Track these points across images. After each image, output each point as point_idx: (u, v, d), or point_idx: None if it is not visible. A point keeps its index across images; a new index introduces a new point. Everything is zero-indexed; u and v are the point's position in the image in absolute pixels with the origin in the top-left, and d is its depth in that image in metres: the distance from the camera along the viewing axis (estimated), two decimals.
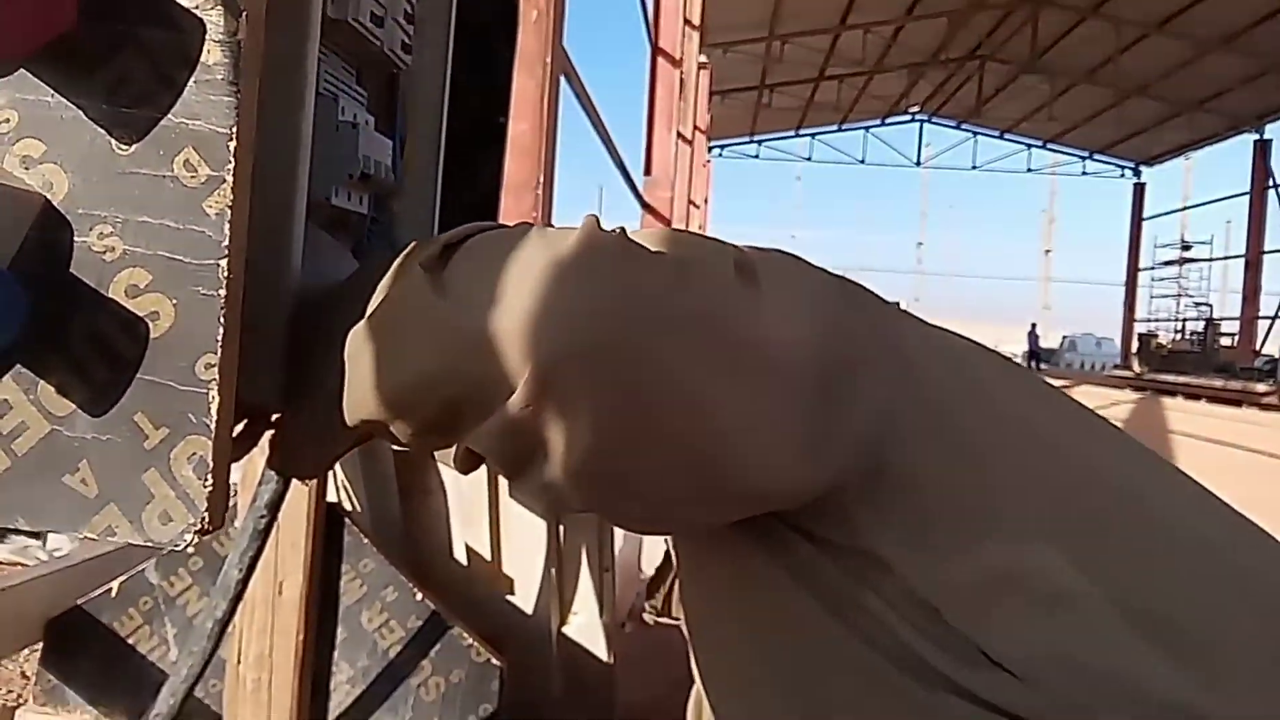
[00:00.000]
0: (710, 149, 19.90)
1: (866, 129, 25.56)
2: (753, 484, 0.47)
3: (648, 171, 7.83)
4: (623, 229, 0.51)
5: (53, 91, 0.41)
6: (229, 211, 0.41)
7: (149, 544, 0.41)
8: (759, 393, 0.46)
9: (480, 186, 1.01)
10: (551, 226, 0.51)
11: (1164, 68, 16.00)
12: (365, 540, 1.42)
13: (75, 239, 0.41)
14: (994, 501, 0.49)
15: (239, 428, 0.59)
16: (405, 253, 0.52)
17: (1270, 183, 18.39)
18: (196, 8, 0.40)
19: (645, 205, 7.66)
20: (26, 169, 0.41)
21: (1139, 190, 25.09)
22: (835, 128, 24.83)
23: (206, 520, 0.42)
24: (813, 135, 25.32)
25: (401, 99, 0.87)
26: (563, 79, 3.21)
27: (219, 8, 0.41)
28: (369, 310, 0.50)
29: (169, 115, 0.41)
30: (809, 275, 0.53)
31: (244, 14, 0.41)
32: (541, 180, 2.28)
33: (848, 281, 0.55)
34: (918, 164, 26.86)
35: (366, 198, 0.78)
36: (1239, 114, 17.85)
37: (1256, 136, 18.66)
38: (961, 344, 0.58)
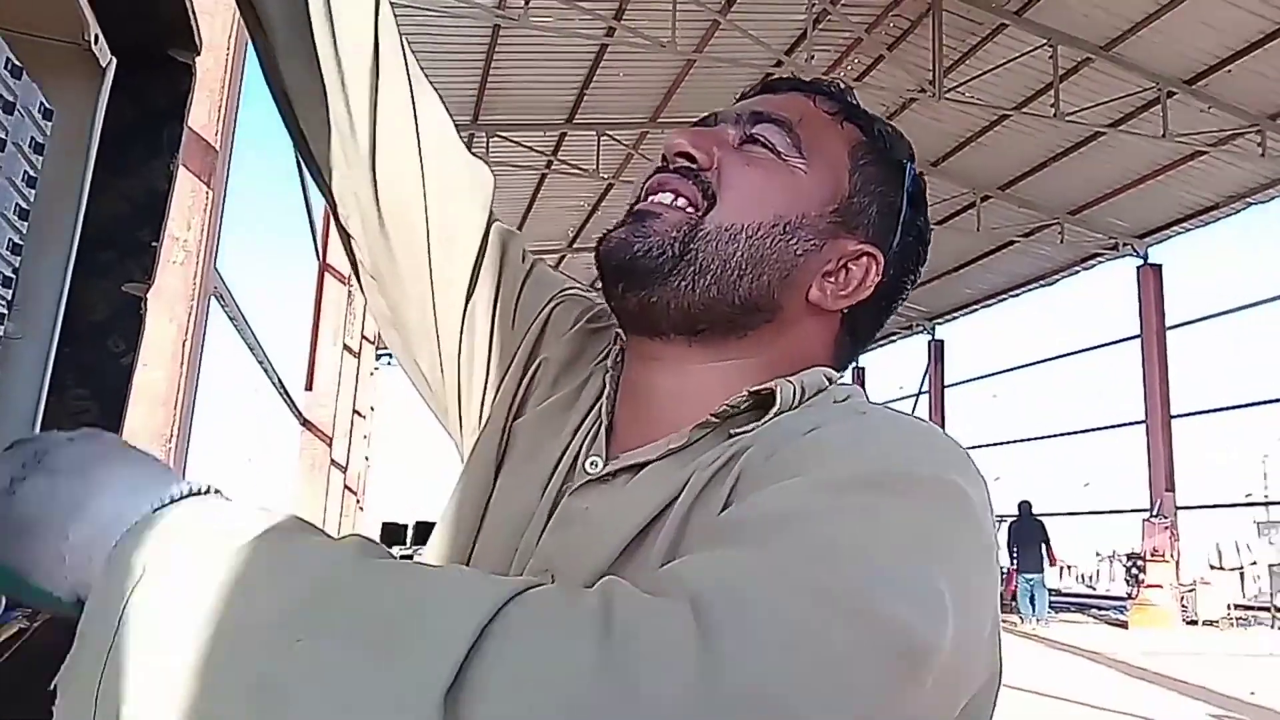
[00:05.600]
0: (379, 357, 19.64)
1: None
2: None
3: (309, 387, 7.51)
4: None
5: None
6: None
7: None
8: None
9: None
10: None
11: None
12: None
13: None
14: None
15: None
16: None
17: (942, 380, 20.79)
18: None
19: (305, 422, 7.28)
20: None
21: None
22: None
23: None
24: None
25: None
26: (213, 300, 3.02)
27: None
28: None
29: None
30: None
31: None
32: (177, 431, 2.06)
33: None
34: None
35: None
36: (911, 317, 20.35)
37: (929, 337, 20.89)
38: None
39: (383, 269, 0.80)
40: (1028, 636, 11.28)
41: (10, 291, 0.70)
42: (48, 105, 0.72)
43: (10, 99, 0.66)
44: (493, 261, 0.81)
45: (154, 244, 0.91)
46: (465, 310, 0.79)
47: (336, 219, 0.82)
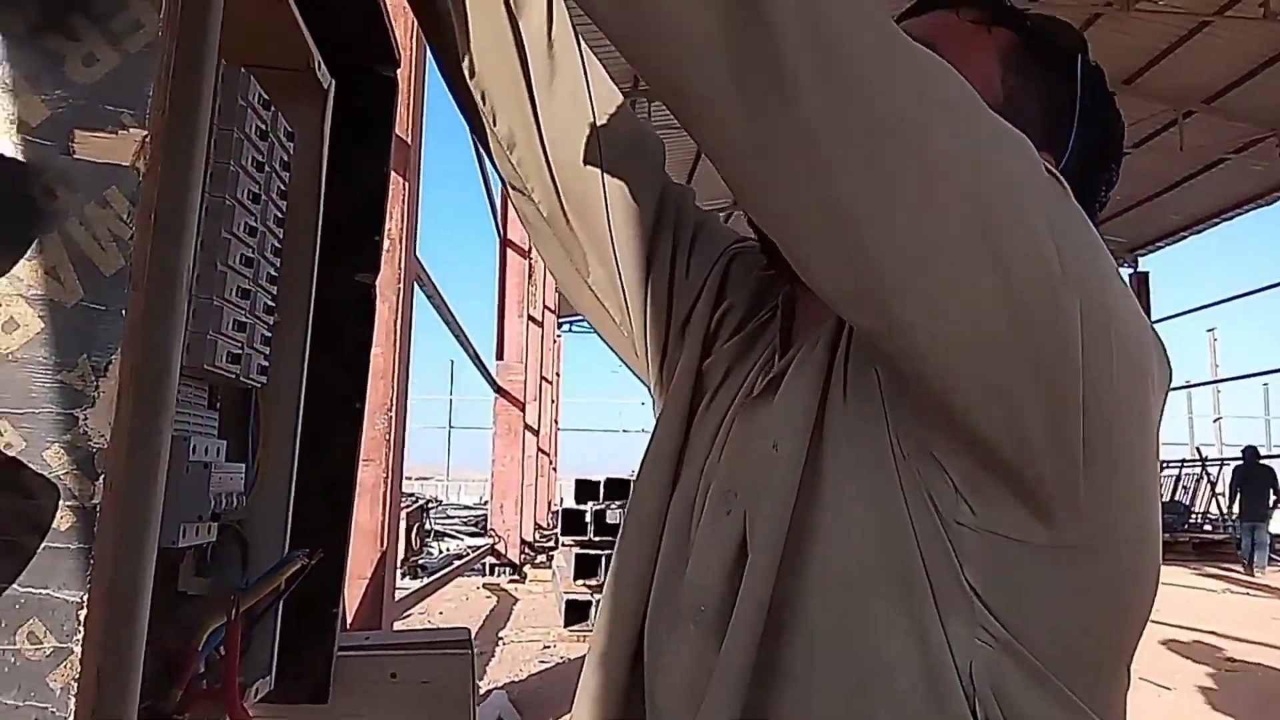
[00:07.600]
0: (560, 325, 20.33)
1: None
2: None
3: (500, 356, 7.92)
4: None
5: None
6: (74, 685, 0.40)
7: None
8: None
9: (332, 467, 1.00)
10: None
11: None
12: None
13: None
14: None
15: None
16: None
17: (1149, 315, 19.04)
18: (54, 475, 0.40)
19: (498, 389, 7.70)
20: None
21: None
22: None
23: None
24: None
25: (257, 408, 0.87)
26: (415, 285, 3.25)
27: (76, 471, 0.41)
28: None
29: (14, 585, 0.40)
30: None
31: (102, 476, 0.41)
32: (395, 401, 2.27)
33: None
34: None
35: (214, 526, 0.76)
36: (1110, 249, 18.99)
37: (1131, 270, 18.61)
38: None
39: (563, 236, 0.88)
40: (1253, 586, 10.46)
41: (275, 287, 0.84)
42: (289, 129, 0.85)
43: (264, 127, 0.78)
44: (667, 220, 0.85)
45: (377, 238, 1.04)
46: (647, 270, 0.84)
47: (513, 193, 0.89)
